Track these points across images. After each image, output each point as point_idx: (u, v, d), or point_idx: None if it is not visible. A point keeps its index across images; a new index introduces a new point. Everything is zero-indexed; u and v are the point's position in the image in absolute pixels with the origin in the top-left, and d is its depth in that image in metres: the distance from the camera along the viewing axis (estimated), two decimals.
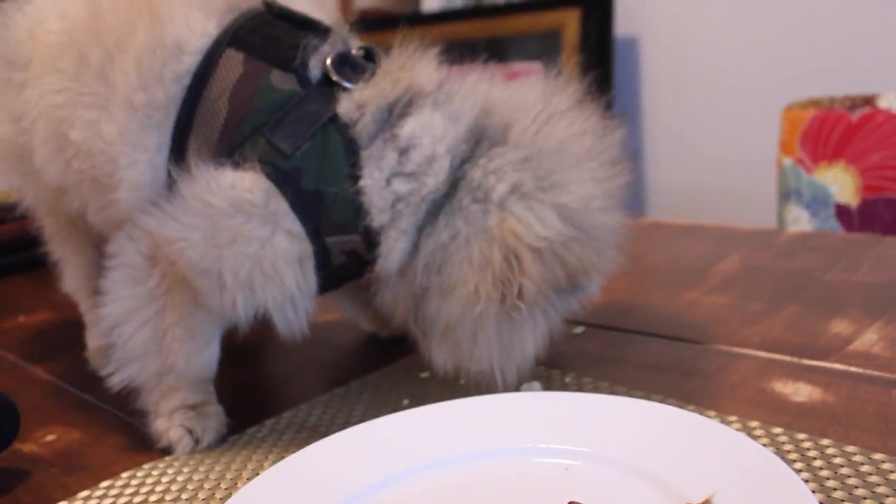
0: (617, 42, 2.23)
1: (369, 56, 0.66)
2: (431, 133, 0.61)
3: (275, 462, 0.61)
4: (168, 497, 0.59)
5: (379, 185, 0.61)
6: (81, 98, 0.68)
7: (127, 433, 0.70)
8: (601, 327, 0.81)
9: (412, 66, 0.64)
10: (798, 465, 0.54)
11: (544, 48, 2.32)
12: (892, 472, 0.52)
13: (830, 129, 1.46)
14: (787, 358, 0.70)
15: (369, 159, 0.61)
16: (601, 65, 2.18)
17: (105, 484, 0.62)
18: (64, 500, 0.61)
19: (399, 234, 0.62)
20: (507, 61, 2.39)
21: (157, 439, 0.66)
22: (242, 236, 0.61)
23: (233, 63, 0.65)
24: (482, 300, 0.59)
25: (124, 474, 0.63)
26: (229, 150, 0.63)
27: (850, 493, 0.50)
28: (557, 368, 0.72)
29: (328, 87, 0.64)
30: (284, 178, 0.61)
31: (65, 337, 0.96)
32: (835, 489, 0.51)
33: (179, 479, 0.62)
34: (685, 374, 0.70)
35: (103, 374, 0.67)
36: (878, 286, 0.84)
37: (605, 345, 0.78)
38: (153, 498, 0.59)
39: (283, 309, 0.64)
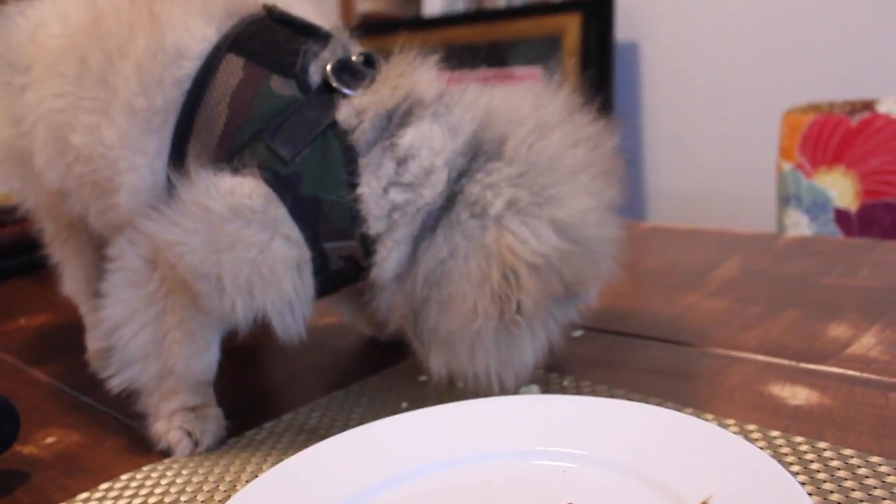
0: (617, 47, 2.24)
1: (369, 62, 0.66)
2: (430, 145, 0.61)
3: (274, 464, 0.61)
4: (167, 499, 0.59)
5: (376, 194, 0.61)
6: (82, 102, 0.69)
7: (126, 435, 0.70)
8: (600, 331, 0.82)
9: (411, 73, 0.64)
10: (795, 468, 0.54)
11: (545, 53, 2.32)
12: (888, 475, 0.52)
13: (830, 134, 1.46)
14: (785, 361, 0.70)
15: (367, 167, 0.62)
16: (601, 69, 2.19)
17: (104, 486, 0.63)
18: (63, 501, 0.61)
19: (394, 244, 0.62)
20: (508, 66, 2.40)
21: (157, 441, 0.67)
22: (241, 241, 0.61)
23: (233, 68, 0.65)
24: (480, 316, 0.59)
25: (124, 476, 0.64)
26: (229, 156, 0.64)
27: (846, 496, 0.50)
28: (556, 371, 0.72)
29: (328, 94, 0.64)
30: (283, 184, 0.61)
31: (65, 339, 0.96)
32: (831, 492, 0.51)
33: (178, 481, 0.62)
34: (683, 378, 0.70)
35: (103, 376, 0.68)
36: (877, 290, 0.84)
37: (604, 348, 0.78)
38: (152, 500, 0.60)
39: (282, 313, 0.64)
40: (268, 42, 0.66)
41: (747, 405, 0.64)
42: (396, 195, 0.61)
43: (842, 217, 1.46)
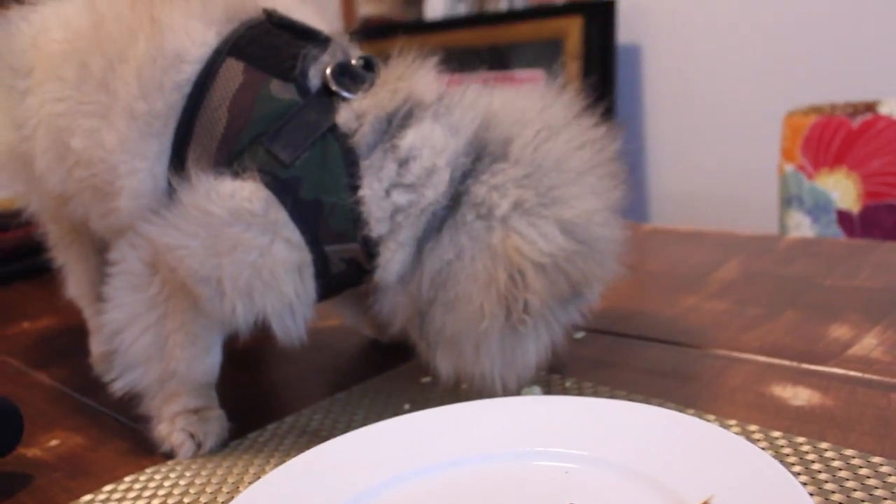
0: (619, 50, 2.24)
1: (369, 65, 0.67)
2: (431, 145, 0.62)
3: (276, 466, 0.61)
4: (170, 501, 0.60)
5: (378, 196, 0.61)
6: (82, 107, 0.69)
7: (129, 438, 0.71)
8: (601, 332, 0.82)
9: (411, 76, 0.65)
10: (796, 469, 0.54)
11: (547, 56, 2.32)
12: (890, 475, 0.52)
13: (832, 136, 1.46)
14: (787, 362, 0.71)
15: (368, 169, 0.62)
16: (603, 72, 2.19)
17: (108, 488, 0.63)
18: (67, 503, 0.61)
19: (398, 246, 0.62)
20: (510, 69, 2.40)
21: (160, 444, 0.67)
22: (242, 245, 0.61)
23: (232, 72, 0.65)
24: (487, 317, 0.60)
25: (127, 478, 0.64)
26: (229, 159, 0.64)
27: (848, 497, 0.50)
28: (558, 373, 0.72)
29: (327, 97, 0.64)
30: (283, 188, 0.62)
31: (68, 343, 0.96)
32: (833, 492, 0.51)
33: (181, 483, 0.62)
34: (685, 379, 0.70)
35: (106, 379, 0.68)
36: (878, 291, 0.84)
37: (606, 349, 0.78)
38: (155, 502, 0.60)
39: (282, 316, 0.64)
40: (268, 46, 0.66)
41: (749, 406, 0.64)
42: (399, 197, 0.61)
43: (844, 219, 1.46)
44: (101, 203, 0.71)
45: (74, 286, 0.88)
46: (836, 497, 0.50)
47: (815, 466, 0.54)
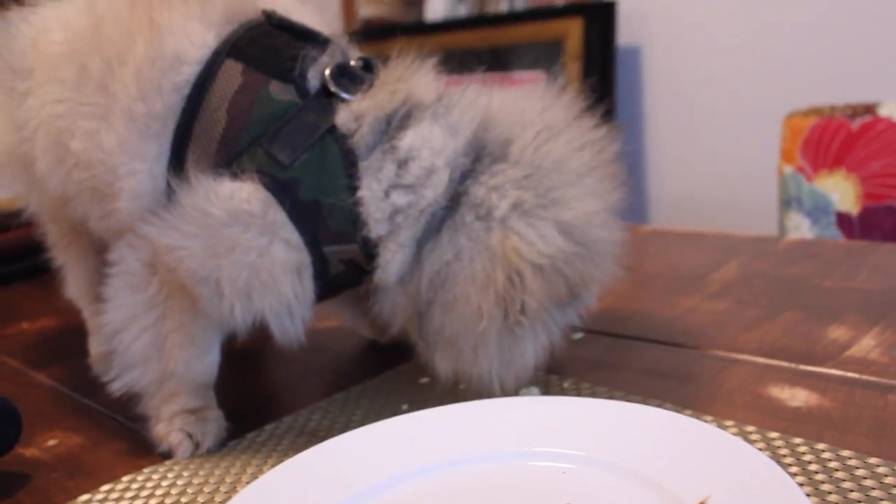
0: (619, 51, 2.24)
1: (368, 67, 0.67)
2: (430, 146, 0.62)
3: (274, 466, 0.61)
4: (168, 501, 0.60)
5: (377, 197, 0.62)
6: (82, 108, 0.69)
7: (128, 438, 0.71)
8: (600, 333, 0.82)
9: (410, 77, 0.65)
10: (794, 469, 0.54)
11: (547, 57, 2.33)
12: (886, 475, 0.52)
13: (831, 138, 1.46)
14: (785, 363, 0.71)
15: (368, 170, 0.62)
16: (603, 74, 2.19)
17: (105, 487, 0.63)
18: (65, 503, 0.61)
19: (397, 247, 0.62)
20: (510, 70, 2.40)
21: (158, 443, 0.67)
22: (240, 245, 0.61)
23: (231, 74, 0.65)
24: (485, 318, 0.60)
25: (125, 478, 0.64)
26: (228, 161, 0.64)
27: (844, 497, 0.50)
28: (556, 374, 0.72)
29: (326, 98, 0.64)
30: (282, 189, 0.62)
31: (67, 343, 0.96)
32: (829, 493, 0.51)
33: (179, 482, 0.62)
34: (683, 380, 0.70)
35: (105, 379, 0.68)
36: (876, 293, 0.84)
37: (604, 350, 0.78)
38: (153, 501, 0.60)
39: (280, 317, 0.64)
40: (267, 47, 0.66)
41: (746, 407, 0.64)
42: (398, 197, 0.61)
43: (843, 220, 1.46)
44: (100, 204, 0.71)
45: (73, 286, 0.88)
46: (833, 498, 0.50)
47: (812, 467, 0.54)
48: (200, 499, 0.59)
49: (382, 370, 0.79)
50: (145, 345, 0.66)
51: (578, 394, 0.69)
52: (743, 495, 0.46)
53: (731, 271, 0.96)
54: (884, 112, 1.41)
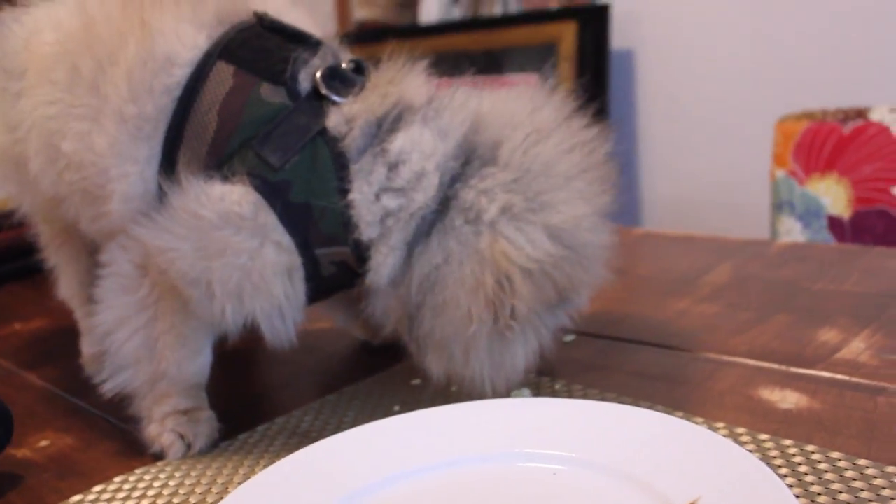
0: (613, 55, 2.25)
1: (359, 69, 0.67)
2: (420, 149, 0.62)
3: (266, 467, 0.61)
4: (160, 501, 0.60)
5: (368, 200, 0.62)
6: (73, 110, 0.69)
7: (120, 439, 0.71)
8: (591, 335, 0.82)
9: (401, 80, 0.65)
10: (783, 471, 0.54)
11: (541, 60, 2.33)
12: (876, 477, 0.52)
13: (823, 142, 1.47)
14: (775, 366, 0.71)
15: (358, 173, 0.62)
16: (597, 77, 2.19)
17: (97, 488, 0.63)
18: None
19: (389, 250, 0.62)
20: (504, 73, 2.40)
21: (150, 444, 0.67)
22: (231, 248, 0.61)
23: (223, 76, 0.65)
24: (475, 321, 0.60)
25: (116, 479, 0.64)
26: (219, 163, 0.64)
27: (834, 499, 0.50)
28: (547, 376, 0.73)
29: (317, 101, 0.64)
30: (273, 191, 0.62)
31: (59, 344, 0.96)
32: (819, 494, 0.51)
33: (171, 483, 0.62)
34: (674, 382, 0.70)
35: (97, 380, 0.68)
36: (866, 296, 0.84)
37: (596, 352, 0.78)
38: (145, 502, 0.60)
39: (272, 318, 0.64)
40: (258, 49, 0.66)
41: (737, 409, 0.64)
42: (389, 201, 0.62)
43: (835, 224, 1.46)
44: (91, 206, 0.71)
45: (66, 287, 0.88)
46: (823, 499, 0.51)
47: (802, 469, 0.54)
48: (192, 499, 0.59)
49: (374, 371, 0.79)
50: (137, 346, 0.66)
51: (570, 395, 0.69)
52: (733, 497, 0.47)
53: (722, 274, 0.97)
54: (875, 116, 1.41)
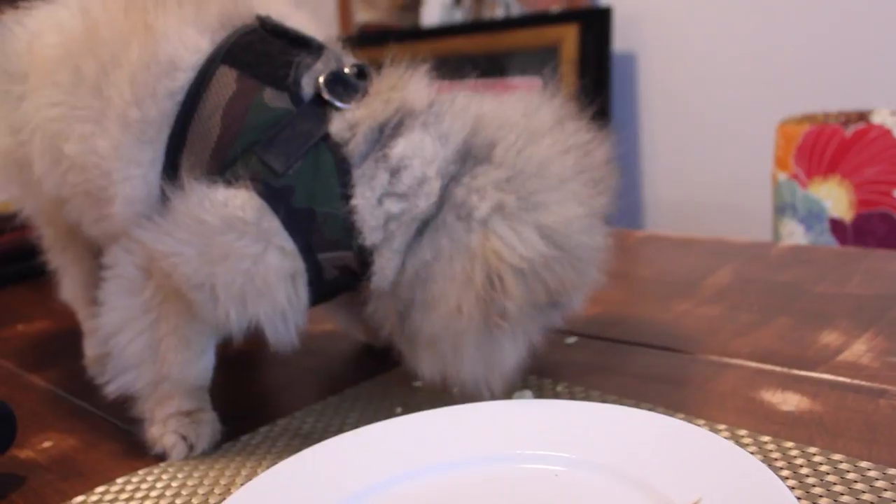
0: (615, 58, 2.25)
1: (362, 74, 0.67)
2: (422, 155, 0.62)
3: (268, 469, 0.61)
4: (162, 502, 0.60)
5: (371, 205, 0.62)
6: (76, 112, 0.69)
7: (122, 440, 0.71)
8: (593, 337, 0.82)
9: (403, 86, 0.65)
10: (785, 473, 0.54)
11: (543, 63, 2.33)
12: (877, 479, 0.52)
13: (825, 145, 1.47)
14: (777, 368, 0.71)
15: (361, 178, 0.62)
16: (599, 79, 2.19)
17: (100, 489, 0.63)
18: None
19: (392, 254, 0.62)
20: (506, 76, 2.40)
21: (152, 446, 0.67)
22: (235, 253, 0.61)
23: (226, 80, 0.66)
24: (465, 317, 0.60)
25: (119, 480, 0.64)
26: (222, 168, 0.64)
27: (835, 501, 0.51)
28: (549, 378, 0.73)
29: (320, 107, 0.64)
30: (276, 196, 0.62)
31: (63, 345, 0.96)
32: (821, 496, 0.51)
33: (174, 484, 0.62)
34: (676, 384, 0.70)
35: (100, 382, 0.68)
36: (868, 298, 0.84)
37: (597, 354, 0.78)
38: (147, 503, 0.60)
39: (275, 322, 0.64)
40: (261, 54, 0.66)
41: (738, 411, 0.64)
42: (391, 205, 0.62)
43: (837, 227, 1.46)
44: (94, 208, 0.71)
45: (69, 289, 0.88)
46: (824, 501, 0.51)
47: (804, 471, 0.54)
48: (194, 501, 0.59)
49: (376, 373, 0.79)
50: (140, 348, 0.66)
51: (572, 397, 0.69)
52: (734, 499, 0.47)
53: (724, 276, 0.97)
54: (877, 119, 1.41)
